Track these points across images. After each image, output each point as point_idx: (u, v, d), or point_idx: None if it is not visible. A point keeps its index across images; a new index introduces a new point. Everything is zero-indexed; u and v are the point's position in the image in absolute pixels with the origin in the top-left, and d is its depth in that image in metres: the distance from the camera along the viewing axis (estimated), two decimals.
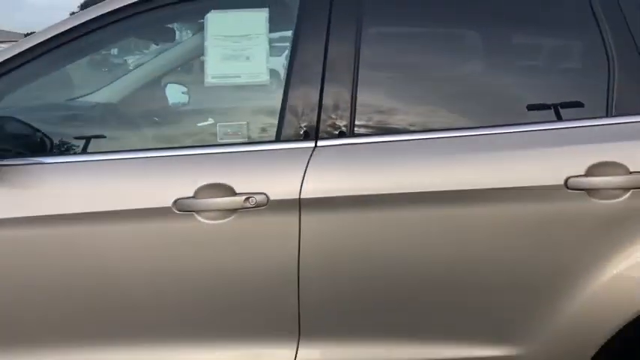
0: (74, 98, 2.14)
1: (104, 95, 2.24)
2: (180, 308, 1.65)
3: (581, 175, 1.55)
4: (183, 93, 2.10)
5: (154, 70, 2.30)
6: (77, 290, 1.65)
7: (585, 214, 1.57)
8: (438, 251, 1.59)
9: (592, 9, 1.63)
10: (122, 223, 1.61)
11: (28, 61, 1.71)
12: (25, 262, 1.64)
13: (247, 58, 1.71)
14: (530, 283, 1.60)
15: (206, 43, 1.71)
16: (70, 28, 1.72)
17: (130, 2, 1.71)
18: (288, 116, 1.64)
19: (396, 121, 1.72)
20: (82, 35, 1.73)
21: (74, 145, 1.79)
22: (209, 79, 1.70)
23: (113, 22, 1.73)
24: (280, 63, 1.79)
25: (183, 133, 2.00)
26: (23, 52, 1.71)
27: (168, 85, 2.18)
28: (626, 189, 1.55)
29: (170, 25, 2.05)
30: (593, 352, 1.61)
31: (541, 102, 1.71)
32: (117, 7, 1.71)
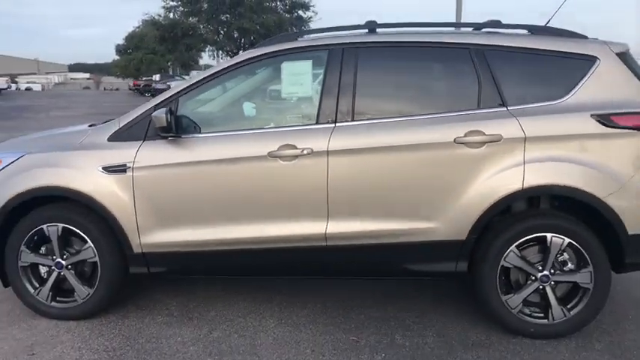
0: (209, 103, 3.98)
1: (217, 104, 4.07)
2: (270, 204, 3.43)
3: (461, 137, 3.28)
4: (256, 101, 3.94)
5: (244, 89, 4.13)
6: (219, 196, 3.46)
7: (463, 156, 3.30)
8: (392, 173, 3.34)
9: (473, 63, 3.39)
10: (239, 163, 3.41)
11: (193, 88, 3.57)
12: (196, 182, 3.46)
13: (301, 84, 3.52)
14: (435, 190, 3.33)
15: (282, 76, 3.54)
16: (213, 73, 3.58)
17: (243, 59, 3.56)
18: (321, 111, 3.43)
19: (374, 114, 3.47)
20: (216, 75, 3.58)
21: (209, 129, 3.61)
22: (285, 93, 3.54)
23: (234, 68, 3.58)
24: (317, 86, 3.56)
25: (268, 120, 3.82)
26: (192, 83, 3.57)
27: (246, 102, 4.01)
28: (483, 143, 3.28)
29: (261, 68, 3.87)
30: (469, 227, 3.33)
31: (448, 105, 3.45)
32: (238, 60, 3.56)
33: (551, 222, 3.36)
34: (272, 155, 3.38)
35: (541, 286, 3.37)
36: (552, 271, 3.35)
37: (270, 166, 3.40)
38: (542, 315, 3.41)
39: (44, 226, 3.58)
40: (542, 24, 3.73)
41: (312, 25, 35.07)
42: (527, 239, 3.35)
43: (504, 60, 3.44)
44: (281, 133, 3.46)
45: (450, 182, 3.33)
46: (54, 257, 3.62)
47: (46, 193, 3.57)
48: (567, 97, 3.34)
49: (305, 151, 3.36)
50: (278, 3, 34.51)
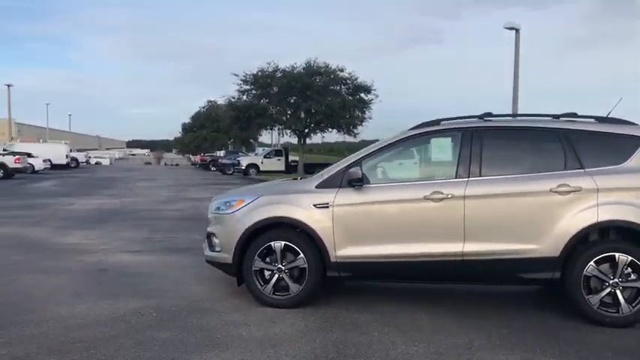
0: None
1: (387, 164, 5.97)
2: (424, 230, 5.22)
3: (554, 187, 5.05)
4: (414, 163, 5.83)
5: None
6: (389, 224, 5.29)
7: (556, 201, 5.04)
8: (508, 210, 5.11)
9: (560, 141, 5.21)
10: (404, 203, 5.27)
11: (370, 154, 5.52)
12: (374, 215, 5.31)
13: (444, 152, 5.42)
14: (538, 223, 5.05)
15: (431, 148, 5.46)
16: (384, 146, 5.53)
17: (403, 137, 5.51)
18: (459, 170, 5.27)
19: (495, 173, 5.26)
20: (385, 147, 5.52)
21: (382, 181, 5.50)
22: (434, 159, 5.46)
23: (397, 142, 5.52)
24: (454, 155, 5.41)
25: (422, 176, 5.68)
26: (369, 152, 5.53)
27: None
28: (569, 192, 5.03)
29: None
30: (562, 247, 5.01)
31: (544, 167, 5.24)
32: (399, 138, 5.51)
33: (617, 245, 5.02)
34: (426, 198, 5.21)
35: (612, 290, 4.97)
36: (620, 279, 4.96)
37: (424, 205, 5.23)
38: (614, 310, 4.98)
39: (272, 243, 5.46)
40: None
41: (374, 107, 37.72)
42: (601, 257, 4.99)
43: (581, 138, 5.25)
44: (432, 184, 5.31)
45: (547, 217, 5.06)
46: (276, 264, 5.47)
47: (275, 221, 5.49)
48: (625, 162, 5.10)
49: (449, 195, 5.18)
50: (342, 86, 37.47)
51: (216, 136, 75.82)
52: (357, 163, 5.48)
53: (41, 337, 4.57)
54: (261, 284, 5.52)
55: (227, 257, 5.60)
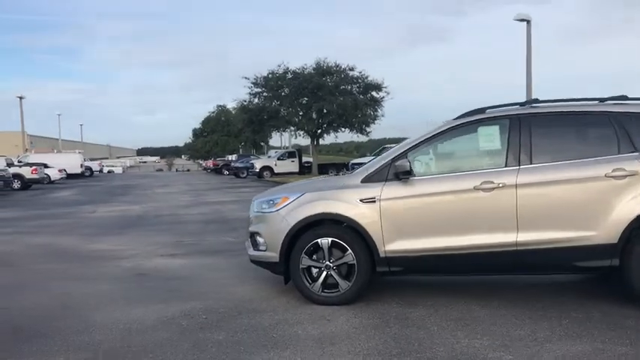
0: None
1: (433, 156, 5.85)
2: (475, 222, 5.10)
3: (609, 173, 4.91)
4: (461, 153, 5.72)
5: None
6: (439, 217, 5.17)
7: (611, 186, 4.90)
8: (562, 198, 4.97)
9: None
10: (454, 194, 5.15)
11: (417, 146, 5.41)
12: (423, 207, 5.20)
13: (492, 141, 5.29)
14: (594, 209, 4.92)
15: (479, 136, 5.34)
16: (429, 137, 5.42)
17: (449, 127, 5.39)
18: (508, 159, 5.15)
19: (546, 159, 5.13)
20: (430, 138, 5.41)
21: (429, 173, 5.39)
22: (482, 147, 5.33)
23: (443, 133, 5.40)
24: (502, 143, 5.29)
25: (470, 165, 5.55)
26: (415, 144, 5.41)
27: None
28: (624, 176, 4.88)
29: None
30: (619, 234, 4.86)
31: (597, 152, 5.10)
32: (445, 128, 5.40)
33: None
34: (476, 188, 5.09)
35: None
36: None
37: (475, 195, 5.11)
38: None
39: (319, 240, 5.37)
40: None
41: (385, 105, 37.60)
42: None
43: (633, 121, 5.10)
44: (481, 174, 5.18)
45: (604, 203, 4.92)
46: (323, 261, 5.37)
47: (322, 217, 5.39)
48: None
49: (500, 185, 5.06)
50: (353, 86, 37.38)
51: (227, 140, 76.22)
52: (403, 155, 5.37)
53: (103, 343, 4.51)
54: (309, 282, 5.42)
55: (273, 256, 5.52)
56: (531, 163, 5.11)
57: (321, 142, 41.01)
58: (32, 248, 9.90)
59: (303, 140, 45.47)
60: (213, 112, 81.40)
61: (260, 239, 5.70)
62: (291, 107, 37.18)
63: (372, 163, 5.57)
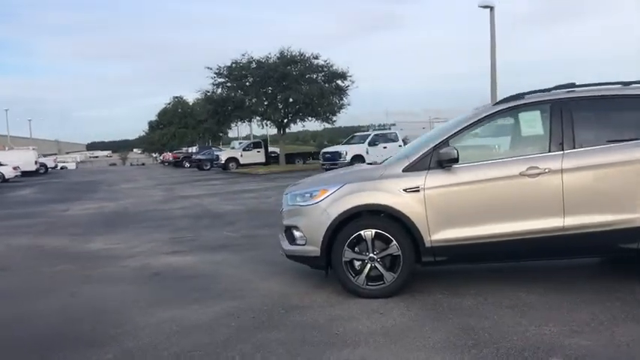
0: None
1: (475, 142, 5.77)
2: (522, 208, 5.07)
3: None
4: (503, 139, 5.68)
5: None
6: (484, 204, 5.12)
7: None
8: (607, 181, 5.00)
9: None
10: (500, 180, 5.09)
11: (458, 133, 5.32)
12: (469, 195, 5.13)
13: (534, 126, 5.26)
14: (636, 191, 4.96)
15: (520, 122, 5.30)
16: (470, 123, 5.33)
17: (488, 113, 5.33)
18: (552, 144, 5.13)
19: (590, 143, 5.13)
20: (472, 124, 5.33)
21: (471, 160, 5.32)
22: (523, 133, 5.28)
23: (483, 119, 5.33)
24: (544, 128, 5.27)
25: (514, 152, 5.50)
26: (457, 130, 5.32)
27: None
28: None
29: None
30: None
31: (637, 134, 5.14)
32: (484, 114, 5.33)
33: None
34: (522, 174, 5.06)
35: None
36: None
37: (521, 181, 5.07)
38: None
39: (362, 232, 5.23)
40: None
41: (351, 93, 37.54)
42: None
43: None
44: (526, 159, 5.15)
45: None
46: (367, 253, 5.24)
47: (365, 209, 5.25)
48: None
49: (546, 170, 5.03)
50: (318, 74, 37.14)
51: (185, 132, 74.70)
52: (445, 142, 5.28)
53: (149, 348, 4.26)
54: (352, 275, 5.28)
55: (314, 250, 5.35)
56: (575, 148, 5.11)
57: (273, 132, 40.40)
58: (22, 250, 9.38)
59: (262, 130, 44.83)
60: (169, 104, 79.56)
61: (298, 233, 5.51)
62: (256, 97, 36.64)
63: (411, 152, 5.46)
